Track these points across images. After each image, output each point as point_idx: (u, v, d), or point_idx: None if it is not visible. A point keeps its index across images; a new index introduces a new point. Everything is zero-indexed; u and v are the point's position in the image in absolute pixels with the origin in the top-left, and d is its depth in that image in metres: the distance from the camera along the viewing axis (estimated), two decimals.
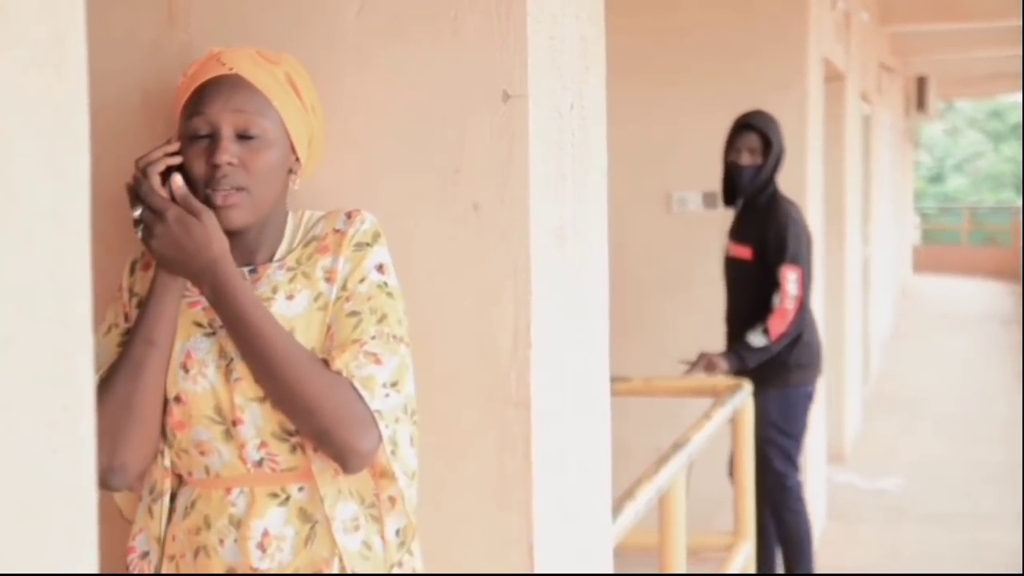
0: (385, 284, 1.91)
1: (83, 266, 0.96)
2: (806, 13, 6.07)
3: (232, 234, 1.87)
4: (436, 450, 2.05)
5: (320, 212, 1.99)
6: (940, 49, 13.69)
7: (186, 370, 1.89)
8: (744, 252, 5.02)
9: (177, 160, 1.87)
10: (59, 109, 0.93)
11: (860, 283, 9.17)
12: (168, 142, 1.90)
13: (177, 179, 1.84)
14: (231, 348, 1.87)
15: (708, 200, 6.12)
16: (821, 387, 5.55)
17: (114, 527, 2.01)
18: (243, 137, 1.88)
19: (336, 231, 1.94)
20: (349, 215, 1.95)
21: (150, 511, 1.94)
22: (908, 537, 6.60)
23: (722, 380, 4.56)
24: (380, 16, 2.08)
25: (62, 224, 0.93)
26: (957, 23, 10.93)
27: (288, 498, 1.88)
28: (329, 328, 1.88)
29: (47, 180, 0.92)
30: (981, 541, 6.47)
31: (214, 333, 1.90)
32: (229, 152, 1.86)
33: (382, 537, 1.92)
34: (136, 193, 1.85)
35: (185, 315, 1.92)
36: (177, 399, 1.89)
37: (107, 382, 1.87)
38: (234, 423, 1.87)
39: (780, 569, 5.19)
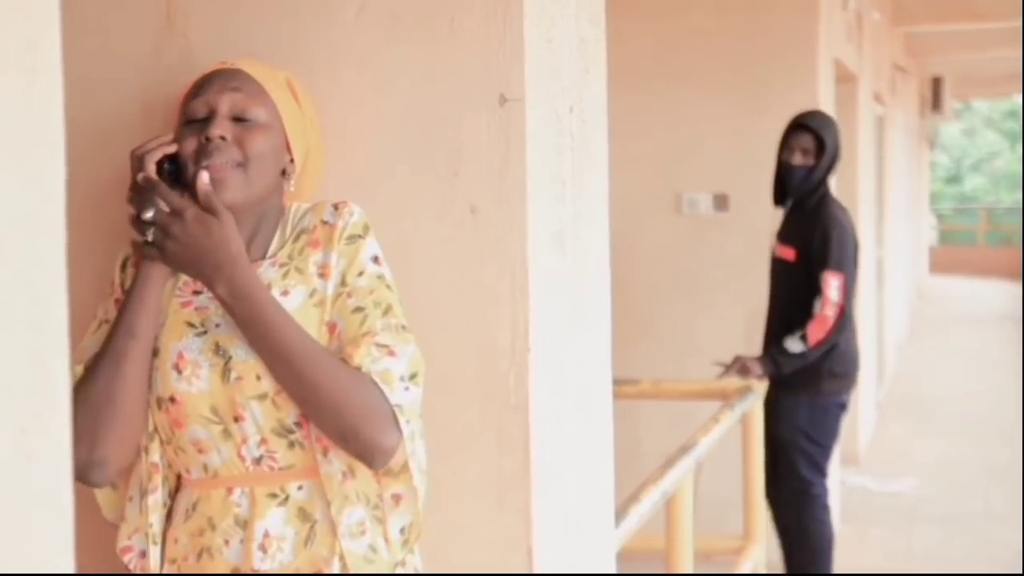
0: (383, 276, 1.91)
1: (58, 271, 0.95)
2: (816, 14, 6.06)
3: None
4: (435, 452, 2.04)
5: (306, 204, 1.98)
6: (956, 49, 13.64)
7: (179, 371, 1.87)
8: (788, 253, 4.97)
9: (172, 148, 1.87)
10: (33, 113, 0.93)
11: (874, 285, 9.14)
12: (164, 136, 1.91)
13: (204, 176, 1.83)
14: (229, 346, 1.86)
15: (718, 202, 6.11)
16: None
17: (102, 526, 2.00)
18: (239, 120, 1.89)
19: (324, 223, 1.92)
20: (336, 206, 1.93)
21: (140, 508, 1.93)
22: (922, 539, 6.57)
23: (731, 383, 4.54)
24: (378, 19, 2.08)
25: (37, 229, 0.93)
26: (972, 23, 10.89)
27: (287, 498, 1.88)
28: (333, 327, 1.87)
29: (21, 185, 0.91)
30: (995, 542, 6.44)
31: (206, 332, 1.89)
32: (223, 127, 1.86)
33: (385, 537, 1.91)
34: (143, 194, 1.84)
35: (177, 315, 1.91)
36: (172, 399, 1.88)
37: (88, 375, 1.86)
38: (235, 419, 1.86)
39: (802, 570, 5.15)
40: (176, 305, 1.92)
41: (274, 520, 1.87)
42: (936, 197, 30.03)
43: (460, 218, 2.06)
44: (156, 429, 1.91)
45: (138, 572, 1.94)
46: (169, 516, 1.94)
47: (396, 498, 1.90)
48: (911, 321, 15.06)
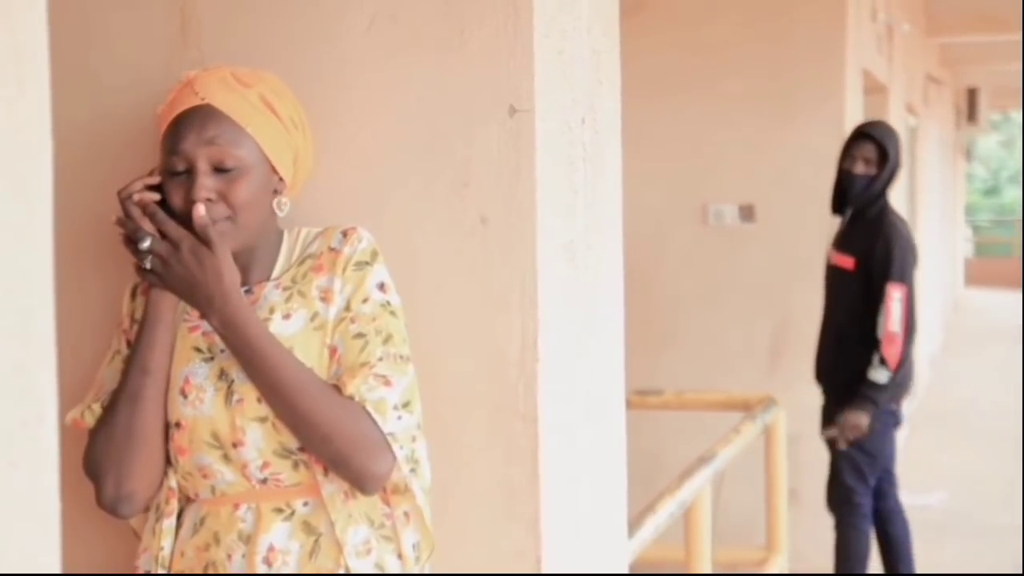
0: (388, 303, 1.93)
1: (45, 283, 0.97)
2: (844, 24, 6.04)
3: None
4: (443, 463, 2.05)
5: (316, 229, 2.00)
6: (993, 60, 13.56)
7: (184, 396, 1.90)
8: (847, 262, 4.96)
9: (156, 196, 1.88)
10: (20, 125, 0.94)
11: None
12: (150, 173, 1.92)
13: (200, 208, 1.85)
14: (232, 370, 1.88)
15: (744, 213, 6.10)
16: None
17: (130, 545, 2.03)
18: (220, 170, 1.88)
19: (332, 249, 1.94)
20: (345, 233, 1.95)
21: (154, 531, 1.95)
22: (952, 552, 6.53)
23: (754, 395, 4.53)
24: (389, 30, 2.09)
25: (23, 240, 0.94)
26: (1006, 35, 10.82)
27: (293, 513, 1.90)
28: (334, 351, 1.89)
29: (8, 196, 0.93)
30: None
31: (213, 358, 1.91)
32: (206, 188, 1.86)
33: (398, 554, 1.93)
34: (128, 224, 1.86)
35: (185, 340, 1.94)
36: (177, 424, 1.91)
37: (108, 414, 1.91)
38: (235, 445, 1.88)
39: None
40: (184, 330, 1.94)
41: (279, 534, 1.89)
42: (973, 209, 29.81)
43: (470, 229, 2.06)
44: (168, 455, 1.94)
45: None
46: (177, 530, 1.96)
47: (407, 515, 1.93)
48: (945, 334, 14.96)
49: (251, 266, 1.95)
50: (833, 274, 5.06)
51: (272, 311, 1.91)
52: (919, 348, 10.50)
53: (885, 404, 4.84)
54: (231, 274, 1.85)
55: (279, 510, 1.89)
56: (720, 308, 6.14)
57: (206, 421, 1.88)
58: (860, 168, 4.93)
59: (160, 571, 1.93)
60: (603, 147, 2.35)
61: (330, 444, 1.84)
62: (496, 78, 2.04)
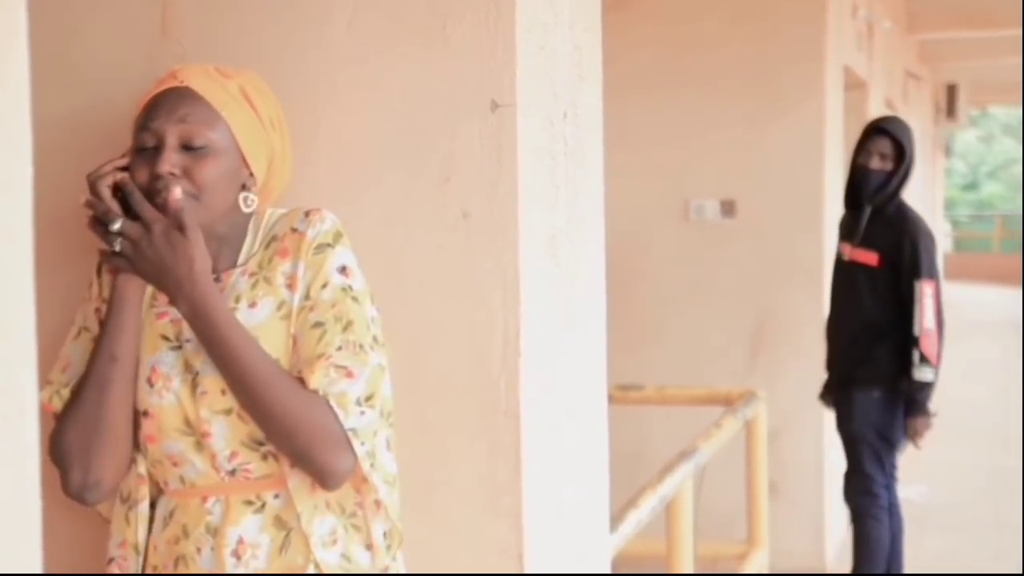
0: (349, 287, 1.88)
1: (26, 278, 0.96)
2: (824, 21, 6.06)
3: None
4: (426, 458, 2.05)
5: (282, 210, 1.97)
6: (972, 56, 13.60)
7: (151, 384, 1.88)
8: (870, 258, 4.97)
9: (124, 162, 1.87)
10: (0, 120, 0.94)
11: None
12: (122, 156, 1.90)
13: (176, 192, 1.83)
14: (196, 361, 1.87)
15: (726, 208, 6.11)
16: None
17: (98, 532, 2.02)
18: (188, 148, 1.86)
19: (294, 230, 1.91)
20: (308, 213, 1.92)
21: (127, 519, 1.94)
22: (931, 545, 6.55)
23: (735, 389, 4.54)
24: (370, 26, 2.09)
25: (3, 236, 0.94)
26: (986, 31, 10.86)
27: (264, 505, 1.88)
28: (295, 340, 1.87)
29: None
30: (1004, 550, 6.42)
31: (180, 347, 1.89)
32: (170, 162, 1.84)
33: (368, 544, 1.91)
34: (98, 206, 1.84)
35: (152, 327, 1.92)
36: (145, 413, 1.89)
37: (75, 400, 1.88)
38: (203, 435, 1.87)
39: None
40: (152, 316, 1.92)
41: (249, 527, 1.87)
42: (952, 204, 29.95)
43: (452, 224, 2.06)
44: (137, 442, 1.92)
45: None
46: (150, 524, 1.95)
47: (377, 504, 1.90)
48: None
49: (219, 254, 1.92)
50: (852, 269, 5.04)
51: (238, 300, 1.89)
52: None
53: (900, 388, 4.88)
54: (202, 260, 1.82)
55: (249, 502, 1.88)
56: (701, 303, 6.15)
57: (175, 409, 1.87)
58: (876, 163, 4.93)
59: (135, 557, 1.91)
60: (585, 142, 2.35)
61: (292, 438, 1.82)
62: (478, 73, 2.04)
